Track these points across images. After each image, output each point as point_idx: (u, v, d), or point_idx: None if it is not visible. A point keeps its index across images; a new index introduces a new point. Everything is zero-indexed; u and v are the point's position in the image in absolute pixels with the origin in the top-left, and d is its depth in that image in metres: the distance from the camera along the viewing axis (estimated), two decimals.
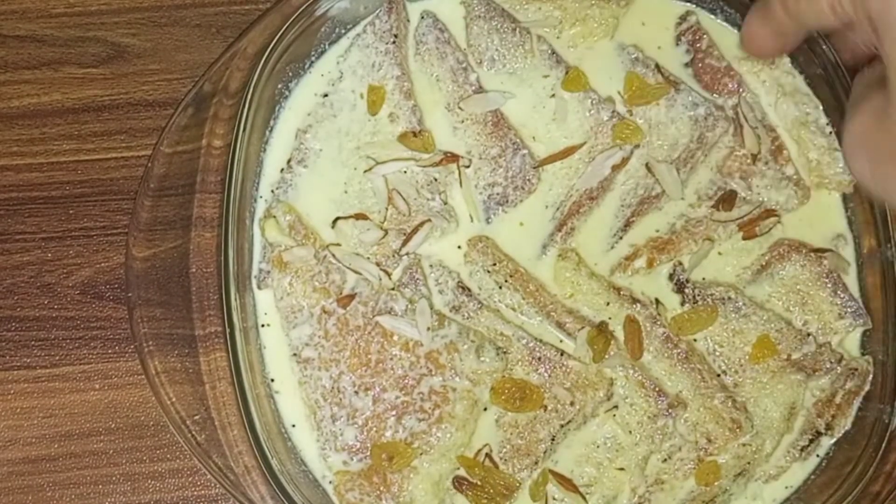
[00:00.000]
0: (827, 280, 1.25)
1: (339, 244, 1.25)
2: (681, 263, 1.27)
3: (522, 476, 1.21)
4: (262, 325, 1.26)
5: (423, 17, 1.32)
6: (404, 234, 1.25)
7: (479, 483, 1.20)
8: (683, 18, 1.34)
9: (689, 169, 1.29)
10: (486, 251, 1.26)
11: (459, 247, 1.27)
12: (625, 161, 1.28)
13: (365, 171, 1.27)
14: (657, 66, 1.30)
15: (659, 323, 1.24)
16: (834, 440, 1.26)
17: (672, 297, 1.26)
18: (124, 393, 1.30)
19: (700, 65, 1.32)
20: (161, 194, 1.29)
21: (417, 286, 1.24)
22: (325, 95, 1.31)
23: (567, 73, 1.29)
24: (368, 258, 1.25)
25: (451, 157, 1.27)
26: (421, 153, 1.27)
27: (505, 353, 1.22)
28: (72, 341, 1.32)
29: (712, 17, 1.35)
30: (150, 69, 1.38)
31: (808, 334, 1.25)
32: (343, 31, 1.33)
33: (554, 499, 1.22)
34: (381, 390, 1.21)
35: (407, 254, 1.25)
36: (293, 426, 1.24)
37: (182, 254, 1.29)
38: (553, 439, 1.21)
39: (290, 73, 1.30)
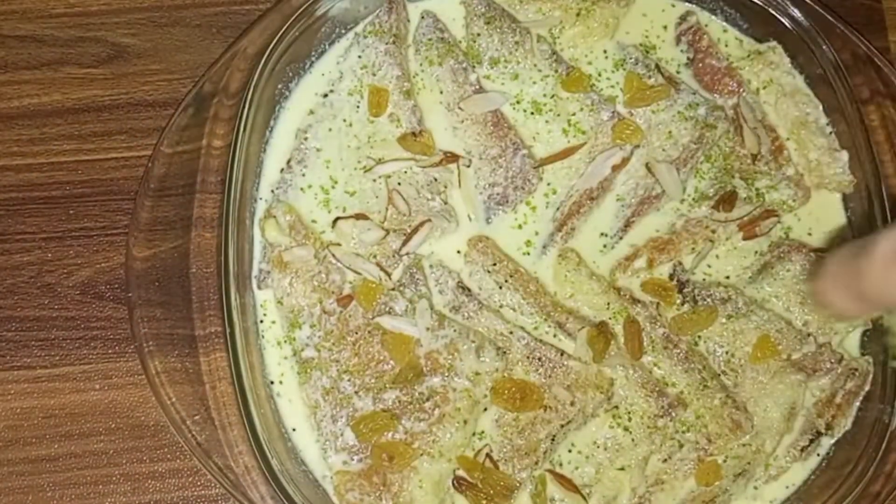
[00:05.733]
0: None
1: (339, 244, 1.25)
2: (681, 263, 1.27)
3: (522, 476, 1.21)
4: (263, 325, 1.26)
5: (423, 17, 1.32)
6: (404, 235, 1.25)
7: (479, 483, 1.20)
8: (683, 18, 1.34)
9: (689, 169, 1.29)
10: (486, 251, 1.25)
11: (459, 251, 1.27)
12: (625, 161, 1.28)
13: (365, 171, 1.27)
14: (657, 66, 1.30)
15: (659, 323, 1.24)
16: (834, 440, 1.26)
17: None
18: (124, 393, 1.30)
19: (700, 65, 1.32)
20: (161, 194, 1.29)
21: (417, 286, 1.24)
22: (326, 95, 1.31)
23: (567, 73, 1.29)
24: (368, 258, 1.25)
25: (451, 157, 1.27)
26: (421, 155, 1.27)
27: (505, 353, 1.22)
28: (72, 341, 1.31)
29: (712, 17, 1.35)
30: (150, 69, 1.38)
31: (809, 334, 1.24)
32: (343, 31, 1.33)
33: (553, 500, 1.22)
34: (381, 390, 1.21)
35: (407, 254, 1.25)
36: (293, 427, 1.24)
37: (182, 254, 1.28)
38: (553, 439, 1.21)
39: (291, 74, 1.30)
